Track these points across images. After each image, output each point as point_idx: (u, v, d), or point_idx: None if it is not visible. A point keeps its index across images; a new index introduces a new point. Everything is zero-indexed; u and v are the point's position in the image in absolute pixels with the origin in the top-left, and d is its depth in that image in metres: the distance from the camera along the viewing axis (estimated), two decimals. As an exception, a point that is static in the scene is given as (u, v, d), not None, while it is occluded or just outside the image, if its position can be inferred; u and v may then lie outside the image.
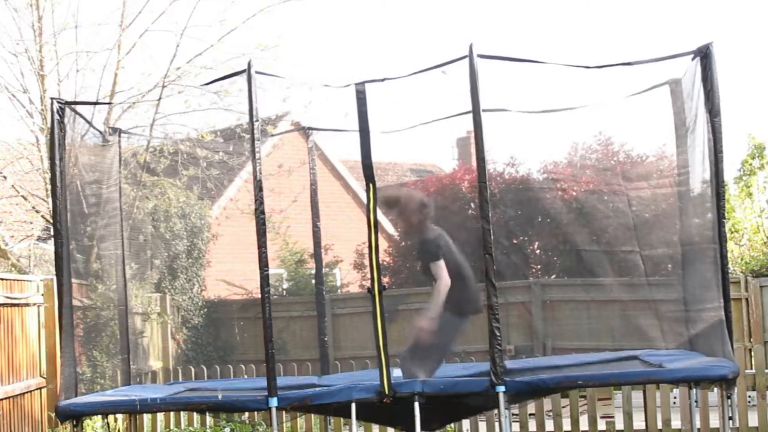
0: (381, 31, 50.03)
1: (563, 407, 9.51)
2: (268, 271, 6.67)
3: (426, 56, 41.74)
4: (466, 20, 46.96)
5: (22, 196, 12.81)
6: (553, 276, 15.30)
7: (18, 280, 9.58)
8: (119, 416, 9.80)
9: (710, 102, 6.50)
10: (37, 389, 9.62)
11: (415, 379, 6.83)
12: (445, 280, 7.06)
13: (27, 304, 9.53)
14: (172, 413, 9.93)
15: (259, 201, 6.67)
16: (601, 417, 9.20)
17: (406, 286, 15.73)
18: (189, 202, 14.56)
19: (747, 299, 12.57)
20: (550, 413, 9.51)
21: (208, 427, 9.84)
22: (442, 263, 7.11)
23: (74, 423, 7.03)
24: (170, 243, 14.44)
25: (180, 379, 10.34)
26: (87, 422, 9.24)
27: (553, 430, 9.39)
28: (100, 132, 8.60)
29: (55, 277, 7.92)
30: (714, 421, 8.96)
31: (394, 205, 7.53)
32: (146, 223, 13.31)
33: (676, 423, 9.26)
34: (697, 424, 8.53)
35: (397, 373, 6.93)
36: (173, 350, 14.45)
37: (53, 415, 7.75)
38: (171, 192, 13.87)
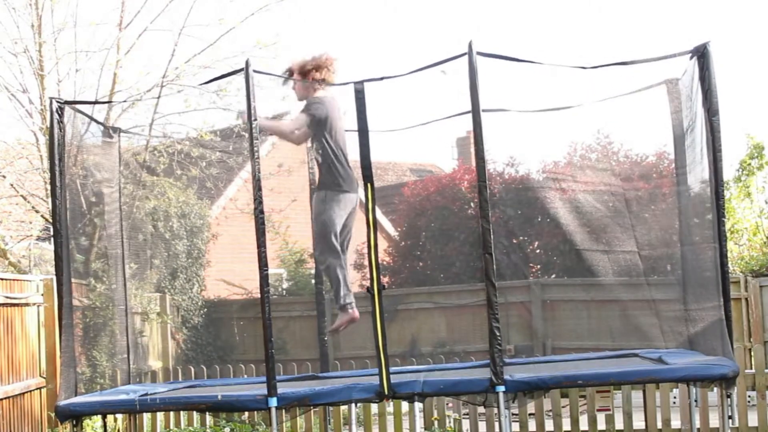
0: (381, 31, 50.04)
1: (563, 407, 9.52)
2: (267, 270, 6.65)
3: (425, 56, 41.74)
4: (464, 20, 46.97)
5: (22, 196, 12.81)
6: (553, 276, 15.30)
7: (18, 280, 9.58)
8: (119, 416, 9.79)
9: (708, 101, 6.49)
10: (36, 389, 9.62)
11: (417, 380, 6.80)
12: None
13: (27, 304, 9.53)
14: (171, 413, 9.93)
15: (258, 200, 6.64)
16: (598, 409, 9.17)
17: (406, 285, 15.75)
18: (188, 202, 14.56)
19: (747, 299, 12.58)
20: (550, 413, 9.51)
21: (208, 427, 9.84)
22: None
23: (74, 423, 7.02)
24: (170, 243, 14.43)
25: (180, 379, 10.33)
26: (87, 422, 9.23)
27: (552, 429, 9.40)
28: (104, 128, 8.59)
29: (54, 277, 7.92)
30: (714, 421, 8.96)
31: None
32: (146, 222, 13.30)
33: (675, 423, 9.27)
34: (697, 423, 8.53)
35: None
36: (173, 350, 14.45)
37: (53, 414, 7.74)
38: (171, 192, 13.87)
